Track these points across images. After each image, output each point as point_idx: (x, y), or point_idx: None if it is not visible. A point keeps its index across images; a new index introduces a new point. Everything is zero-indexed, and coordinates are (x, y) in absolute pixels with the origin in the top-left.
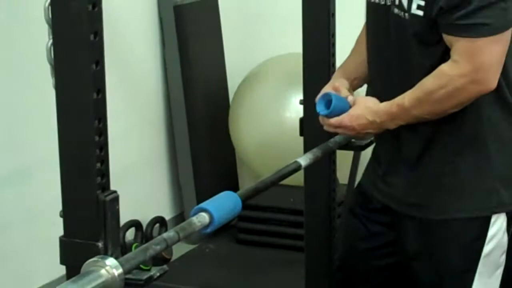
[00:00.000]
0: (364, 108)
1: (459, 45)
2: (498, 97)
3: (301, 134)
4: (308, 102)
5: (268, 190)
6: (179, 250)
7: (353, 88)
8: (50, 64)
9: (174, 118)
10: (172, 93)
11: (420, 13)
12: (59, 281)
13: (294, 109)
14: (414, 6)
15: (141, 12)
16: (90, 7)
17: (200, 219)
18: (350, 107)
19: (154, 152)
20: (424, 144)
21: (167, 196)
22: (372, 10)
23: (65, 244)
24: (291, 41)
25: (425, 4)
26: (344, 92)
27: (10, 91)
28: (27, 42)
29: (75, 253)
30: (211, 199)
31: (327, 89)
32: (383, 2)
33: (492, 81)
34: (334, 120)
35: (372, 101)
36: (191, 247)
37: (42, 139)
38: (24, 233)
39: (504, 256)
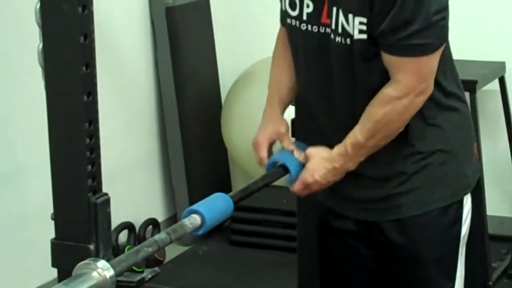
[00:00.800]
0: (320, 160)
1: (401, 64)
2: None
3: (293, 135)
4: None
5: (260, 191)
6: (172, 251)
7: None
8: (41, 66)
9: (167, 119)
10: (164, 95)
11: (364, 36)
12: (51, 283)
13: (286, 110)
14: (356, 31)
15: (133, 14)
16: (80, 9)
17: (192, 221)
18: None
19: (147, 154)
20: (390, 160)
21: (160, 198)
22: (304, 38)
23: (56, 246)
24: None
25: (366, 27)
26: (288, 143)
27: (1, 93)
28: (19, 43)
29: (66, 256)
30: (202, 201)
31: (270, 135)
32: (316, 30)
33: (431, 87)
34: (297, 186)
35: (324, 150)
36: (184, 248)
37: (33, 141)
38: (16, 236)
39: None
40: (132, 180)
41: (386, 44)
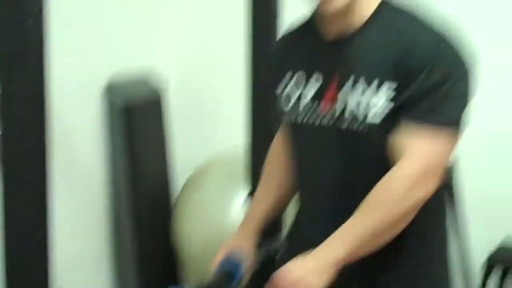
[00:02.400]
0: (294, 261)
1: (414, 140)
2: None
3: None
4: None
5: None
6: None
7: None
8: None
9: (120, 218)
10: (117, 193)
11: (377, 120)
12: None
13: (240, 208)
14: (371, 113)
15: (87, 113)
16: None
17: None
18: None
19: (98, 250)
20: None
21: None
22: (304, 133)
23: None
24: (237, 140)
25: (395, 94)
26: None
27: None
28: None
29: None
30: None
31: (231, 247)
32: (319, 122)
33: (437, 181)
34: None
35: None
36: None
37: None
38: None
39: None
40: (82, 276)
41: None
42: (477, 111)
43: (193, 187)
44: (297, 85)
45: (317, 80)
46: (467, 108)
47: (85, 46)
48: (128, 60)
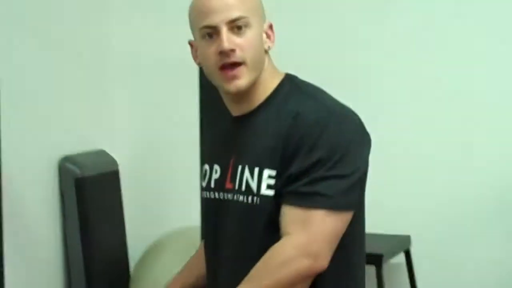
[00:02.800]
0: None
1: (295, 215)
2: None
3: None
4: None
5: None
6: None
7: None
8: None
9: None
10: (72, 268)
11: (271, 192)
12: None
13: None
14: (263, 186)
15: (42, 184)
16: None
17: None
18: None
19: None
20: None
21: None
22: (212, 207)
23: None
24: (192, 214)
25: (275, 181)
26: None
27: None
28: None
29: None
30: None
31: None
32: (222, 197)
33: (323, 257)
34: None
35: None
36: None
37: None
38: None
39: None
40: None
41: (286, 192)
42: None
43: (149, 261)
44: (209, 165)
45: (221, 161)
46: (354, 186)
47: (41, 121)
48: (83, 134)
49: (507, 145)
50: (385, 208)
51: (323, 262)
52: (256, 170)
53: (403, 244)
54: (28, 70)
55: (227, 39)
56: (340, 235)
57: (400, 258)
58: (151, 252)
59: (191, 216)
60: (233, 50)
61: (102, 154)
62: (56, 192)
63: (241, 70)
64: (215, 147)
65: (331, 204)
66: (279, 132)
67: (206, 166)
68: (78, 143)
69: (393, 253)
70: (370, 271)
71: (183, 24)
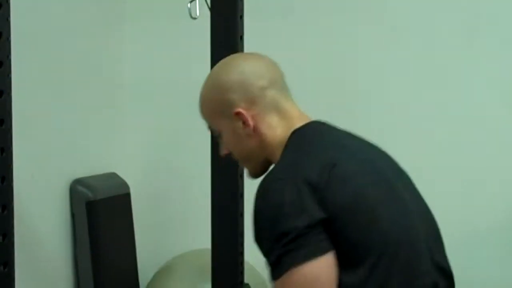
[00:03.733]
0: None
1: None
2: None
3: None
4: None
5: None
6: None
7: None
8: None
9: None
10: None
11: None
12: None
13: None
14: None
15: (54, 206)
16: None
17: None
18: None
19: None
20: None
21: None
22: None
23: None
24: (202, 237)
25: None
26: None
27: None
28: None
29: None
30: None
31: None
32: None
33: None
34: None
35: None
36: None
37: None
38: None
39: None
40: None
41: None
42: None
43: (159, 284)
44: None
45: None
46: (294, 244)
47: (53, 144)
48: (95, 158)
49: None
50: None
51: None
52: None
53: None
54: (41, 94)
55: (220, 147)
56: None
57: None
58: (161, 275)
59: (201, 239)
60: (225, 156)
61: (113, 177)
62: (68, 214)
63: (240, 164)
64: None
65: (281, 272)
66: None
67: None
68: (89, 166)
69: None
70: None
71: (195, 48)
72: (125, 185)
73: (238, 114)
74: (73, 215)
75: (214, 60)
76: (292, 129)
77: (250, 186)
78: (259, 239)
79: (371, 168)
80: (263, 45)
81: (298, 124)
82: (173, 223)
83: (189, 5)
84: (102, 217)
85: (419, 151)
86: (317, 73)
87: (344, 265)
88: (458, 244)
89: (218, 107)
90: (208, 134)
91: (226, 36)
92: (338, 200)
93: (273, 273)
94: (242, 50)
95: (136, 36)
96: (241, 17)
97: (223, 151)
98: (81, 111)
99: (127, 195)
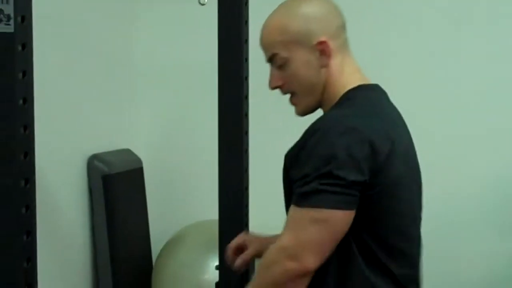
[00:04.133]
0: None
1: (289, 215)
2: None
3: None
4: (223, 268)
5: None
6: None
7: None
8: None
9: (100, 280)
10: (99, 258)
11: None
12: None
13: (212, 273)
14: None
15: (72, 180)
16: (22, 182)
17: None
18: None
19: None
20: None
21: None
22: None
23: None
24: (211, 208)
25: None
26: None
27: None
28: None
29: None
30: None
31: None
32: None
33: (307, 260)
34: None
35: None
36: None
37: None
38: None
39: None
40: None
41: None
42: None
43: (170, 252)
44: None
45: None
46: (345, 189)
47: (71, 122)
48: (110, 134)
49: (499, 145)
50: None
51: (308, 264)
52: (284, 170)
53: None
54: (61, 76)
55: (271, 78)
56: (333, 236)
57: None
58: (172, 244)
59: (210, 210)
60: (277, 87)
61: (127, 153)
62: (85, 187)
63: (294, 98)
64: None
65: (312, 203)
66: (301, 143)
67: None
68: (105, 142)
69: None
70: None
71: (204, 30)
72: (138, 160)
73: (322, 43)
74: (90, 188)
75: (221, 43)
76: (355, 84)
77: (254, 162)
78: (299, 162)
79: (410, 160)
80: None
81: (358, 79)
82: (183, 196)
83: None
84: (117, 190)
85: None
86: None
87: (365, 225)
88: (449, 223)
89: (296, 35)
90: (215, 112)
91: (233, 21)
92: (389, 175)
93: (299, 199)
94: (247, 34)
95: (149, 21)
96: (246, 3)
97: (276, 83)
98: (98, 92)
99: (140, 170)
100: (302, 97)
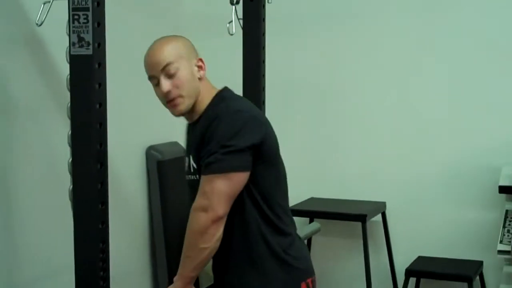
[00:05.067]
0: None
1: (201, 183)
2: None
3: None
4: None
5: None
6: None
7: None
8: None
9: (156, 237)
10: (154, 220)
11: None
12: None
13: None
14: (198, 167)
15: (133, 165)
16: (98, 165)
17: None
18: None
19: (140, 261)
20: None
21: None
22: (189, 186)
23: None
24: None
25: (197, 165)
26: None
27: None
28: None
29: None
30: None
31: None
32: (189, 178)
33: (216, 208)
34: None
35: None
36: None
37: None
38: None
39: None
40: (129, 278)
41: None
42: None
43: None
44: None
45: (187, 154)
46: (238, 154)
47: (133, 119)
48: (163, 130)
49: (456, 135)
50: (369, 183)
51: (217, 212)
52: (192, 157)
53: (380, 208)
54: (126, 86)
55: (163, 84)
56: (234, 191)
57: (378, 217)
58: None
59: None
60: (168, 92)
61: (175, 144)
62: (144, 170)
63: (178, 100)
64: (187, 145)
65: (215, 169)
66: (202, 131)
67: (185, 158)
68: (159, 136)
69: (374, 214)
70: (357, 226)
71: (232, 53)
72: (183, 150)
73: (201, 60)
74: (148, 170)
75: (246, 62)
76: (212, 93)
77: None
78: (205, 143)
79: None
80: (276, 52)
81: (212, 90)
82: None
83: (228, 25)
84: (168, 172)
85: (384, 129)
86: (312, 81)
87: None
88: (417, 196)
89: (186, 51)
90: None
91: (253, 46)
92: (272, 138)
93: (206, 169)
94: (264, 56)
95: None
96: (263, 34)
97: (167, 88)
98: (154, 98)
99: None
100: (186, 98)
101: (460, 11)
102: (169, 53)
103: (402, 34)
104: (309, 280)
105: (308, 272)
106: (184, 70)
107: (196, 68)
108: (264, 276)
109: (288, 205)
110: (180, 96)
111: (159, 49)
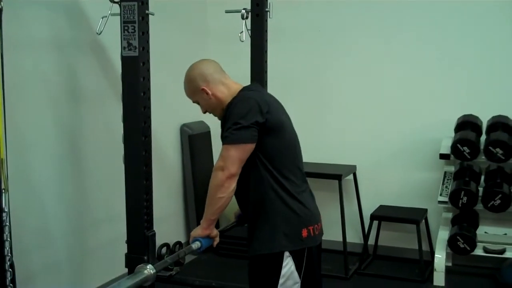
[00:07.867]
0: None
1: (220, 151)
2: (272, 185)
3: None
4: None
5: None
6: (188, 258)
7: None
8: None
9: (187, 191)
10: (186, 179)
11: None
12: (122, 277)
13: None
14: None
15: (171, 139)
16: (143, 138)
17: (195, 245)
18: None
19: (175, 208)
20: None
21: (182, 229)
22: None
23: (128, 257)
24: None
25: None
26: None
27: None
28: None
29: (132, 262)
30: None
31: None
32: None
33: (230, 168)
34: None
35: None
36: (195, 257)
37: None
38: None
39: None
40: (168, 221)
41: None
42: None
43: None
44: None
45: None
46: (244, 130)
47: (171, 104)
48: (192, 112)
49: (412, 112)
50: (343, 150)
51: (230, 171)
52: (221, 132)
53: (352, 169)
54: (165, 79)
55: (202, 109)
56: (243, 156)
57: (351, 177)
58: None
59: None
60: (205, 112)
61: (201, 123)
62: (179, 142)
63: (212, 113)
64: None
65: (229, 141)
66: (225, 114)
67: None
68: (190, 116)
69: (347, 174)
70: (334, 183)
71: (243, 57)
72: (207, 127)
73: (203, 89)
74: (181, 142)
75: (253, 61)
76: (238, 89)
77: None
78: (226, 122)
79: (283, 111)
80: (275, 55)
81: (238, 87)
82: None
83: (239, 34)
84: (197, 144)
85: (355, 109)
86: (302, 75)
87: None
88: (381, 159)
89: (193, 88)
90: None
91: (258, 51)
92: (273, 117)
93: (224, 140)
94: (266, 57)
95: (214, 52)
96: (266, 41)
97: (202, 110)
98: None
99: (209, 133)
100: (213, 113)
101: (406, 33)
102: (187, 92)
103: (368, 44)
104: (310, 228)
105: (310, 220)
106: (201, 101)
107: (205, 95)
108: (273, 218)
109: (297, 168)
110: (211, 112)
111: (184, 88)
